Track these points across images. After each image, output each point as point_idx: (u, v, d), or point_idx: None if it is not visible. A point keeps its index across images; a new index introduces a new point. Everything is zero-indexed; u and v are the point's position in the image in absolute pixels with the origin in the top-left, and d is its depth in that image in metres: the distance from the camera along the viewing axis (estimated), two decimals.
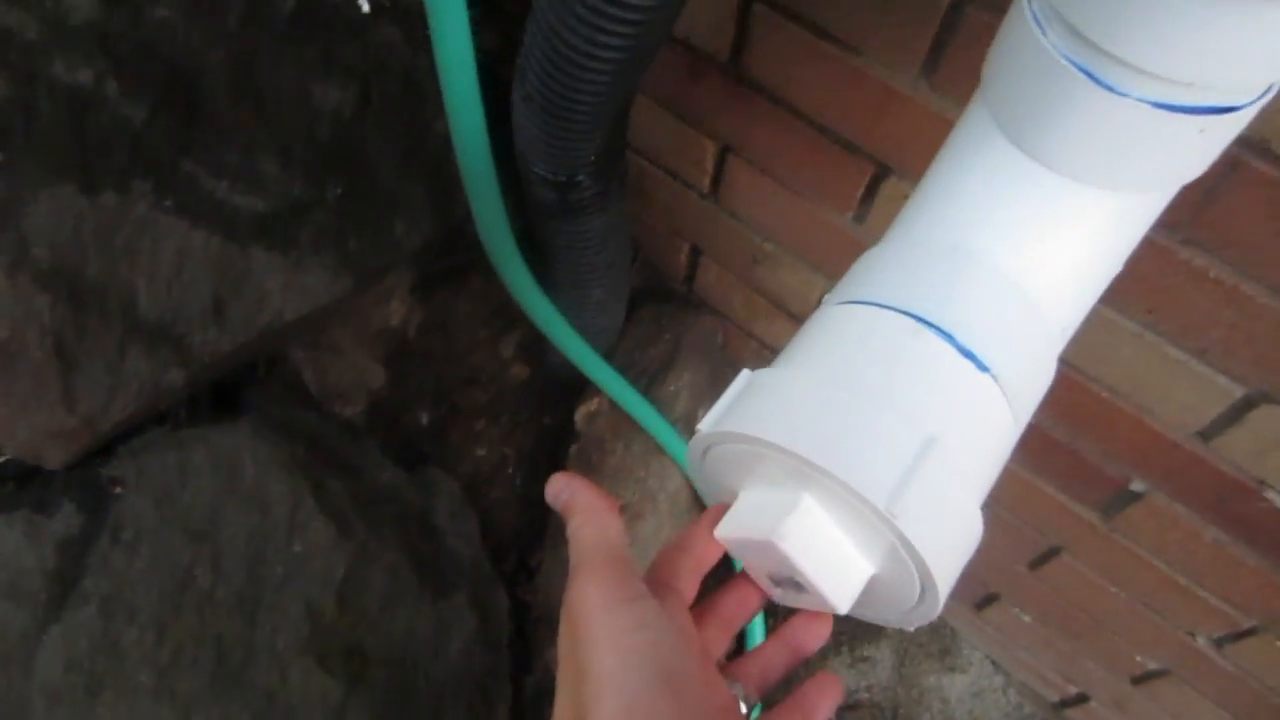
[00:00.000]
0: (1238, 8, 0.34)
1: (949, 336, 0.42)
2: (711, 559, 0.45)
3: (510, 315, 1.04)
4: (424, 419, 1.02)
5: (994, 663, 1.21)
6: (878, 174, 0.77)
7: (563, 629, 0.37)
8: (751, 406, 0.41)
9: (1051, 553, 0.97)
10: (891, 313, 0.43)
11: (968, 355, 0.42)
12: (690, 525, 0.45)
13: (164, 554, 0.71)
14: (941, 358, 0.42)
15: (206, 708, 0.72)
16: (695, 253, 1.04)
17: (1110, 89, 0.39)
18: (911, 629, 0.44)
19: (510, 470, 1.08)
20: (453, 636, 0.87)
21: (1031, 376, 0.45)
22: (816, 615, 0.45)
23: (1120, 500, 0.84)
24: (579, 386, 1.09)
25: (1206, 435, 0.73)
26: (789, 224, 0.89)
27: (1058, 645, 1.08)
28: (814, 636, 0.45)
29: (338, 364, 0.92)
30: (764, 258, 0.96)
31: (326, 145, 0.71)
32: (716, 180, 0.92)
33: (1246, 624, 0.84)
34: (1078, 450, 0.84)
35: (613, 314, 1.01)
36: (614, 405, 1.05)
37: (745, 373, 0.44)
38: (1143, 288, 0.68)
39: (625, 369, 1.04)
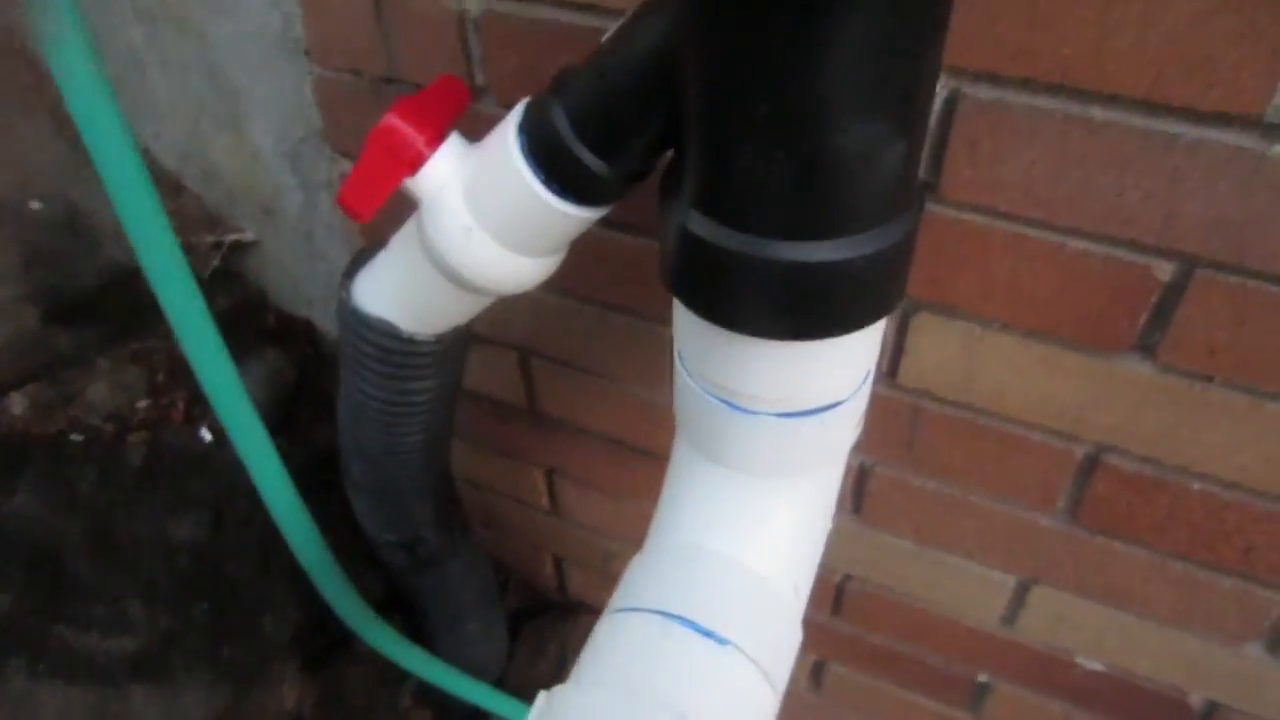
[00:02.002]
0: (796, 350, 0.49)
1: (690, 623, 0.52)
2: None
3: (400, 668, 1.09)
4: None
5: None
6: None
7: None
8: None
9: None
10: (644, 614, 0.53)
11: (709, 635, 0.52)
12: None
13: None
14: (687, 643, 0.52)
15: None
16: (558, 562, 1.14)
17: (745, 411, 0.52)
18: None
19: None
20: None
21: (773, 637, 0.55)
22: None
23: (978, 695, 0.92)
24: (485, 714, 1.13)
25: (1009, 620, 0.83)
26: (623, 523, 1.00)
27: None
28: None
29: None
30: (615, 553, 1.06)
31: (187, 573, 0.80)
32: (553, 499, 1.04)
33: None
34: (923, 659, 0.92)
35: (494, 642, 1.08)
36: None
37: (542, 695, 0.52)
38: (903, 515, 0.80)
39: (519, 688, 1.09)
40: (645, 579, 0.56)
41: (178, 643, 0.78)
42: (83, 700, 0.72)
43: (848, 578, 0.89)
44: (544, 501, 1.05)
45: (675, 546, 0.57)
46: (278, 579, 0.88)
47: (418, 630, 1.03)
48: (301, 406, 1.02)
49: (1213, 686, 0.78)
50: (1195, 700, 0.80)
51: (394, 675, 1.11)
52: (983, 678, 0.91)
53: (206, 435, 0.90)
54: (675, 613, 0.53)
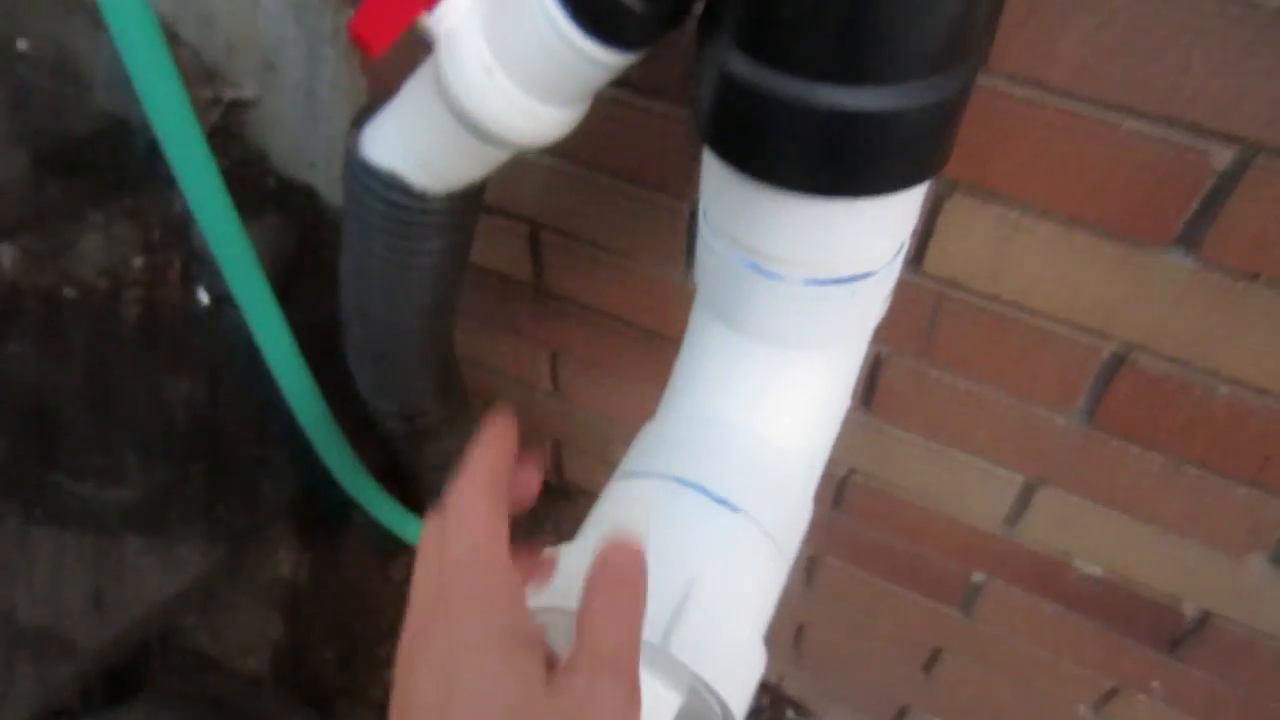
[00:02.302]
0: (832, 209, 0.46)
1: (702, 489, 0.51)
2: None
3: (395, 540, 1.09)
4: (329, 656, 1.05)
5: None
6: None
7: None
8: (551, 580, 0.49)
9: (936, 655, 1.04)
10: (655, 479, 0.52)
11: (721, 502, 0.51)
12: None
13: None
14: (699, 508, 0.50)
15: None
16: (557, 445, 1.13)
17: (771, 275, 0.50)
18: None
19: None
20: None
21: (786, 509, 0.54)
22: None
23: (970, 594, 0.93)
24: None
25: (1011, 521, 0.83)
26: (625, 406, 0.99)
27: None
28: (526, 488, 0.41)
29: (233, 622, 0.96)
30: (614, 437, 1.05)
31: (184, 430, 0.79)
32: (555, 380, 1.02)
33: (1107, 685, 0.91)
34: (920, 556, 0.92)
35: None
36: None
37: (546, 550, 0.51)
38: (915, 409, 0.79)
39: None
40: (656, 445, 0.55)
41: (174, 498, 0.77)
42: (77, 546, 0.71)
43: (852, 471, 0.89)
44: (546, 383, 1.03)
45: (688, 414, 0.56)
46: (275, 446, 0.87)
47: (414, 507, 1.03)
48: (301, 276, 0.99)
49: (1209, 597, 0.78)
50: (1189, 609, 0.80)
51: (388, 549, 1.12)
52: (977, 577, 0.91)
53: (204, 297, 0.88)
54: (686, 478, 0.51)
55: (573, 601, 0.35)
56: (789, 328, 0.52)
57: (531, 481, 0.41)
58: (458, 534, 0.35)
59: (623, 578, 0.35)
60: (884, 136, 0.42)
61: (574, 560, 0.49)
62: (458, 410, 0.90)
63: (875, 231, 0.48)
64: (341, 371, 0.84)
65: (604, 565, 0.35)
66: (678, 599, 0.46)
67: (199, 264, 0.89)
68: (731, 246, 0.50)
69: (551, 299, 0.91)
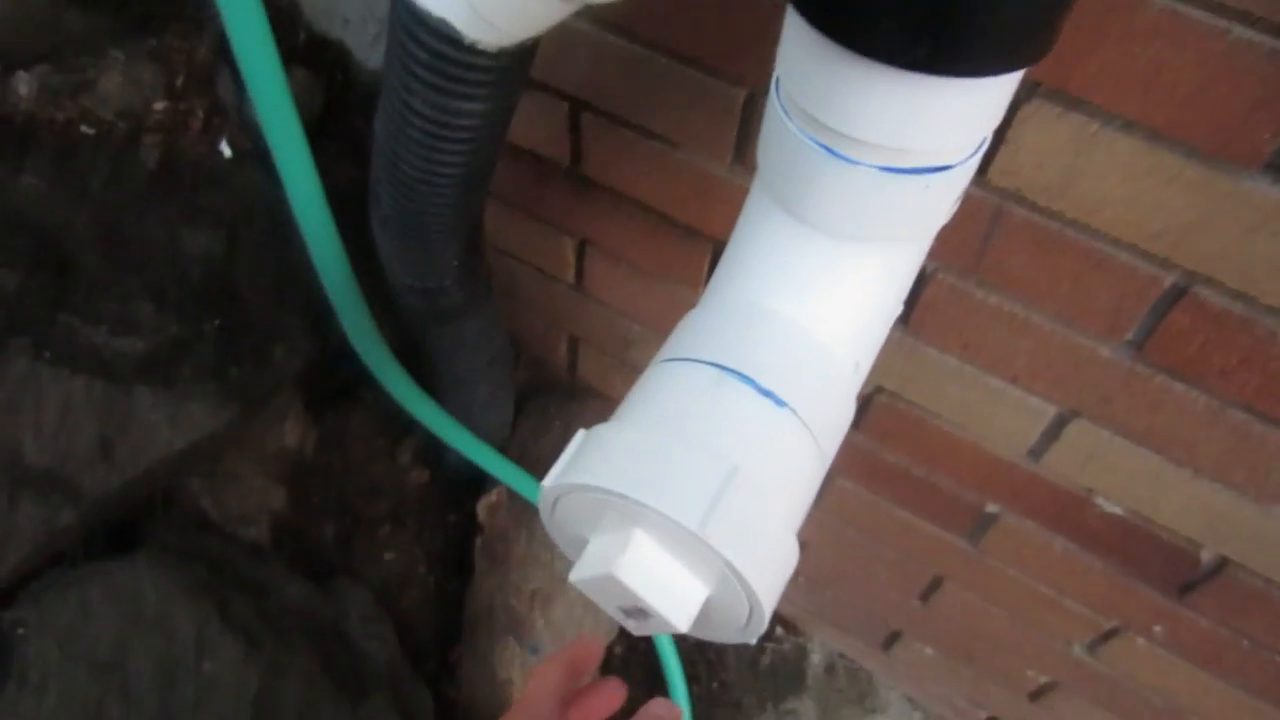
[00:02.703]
0: (926, 88, 0.43)
1: (749, 380, 0.49)
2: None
3: (404, 422, 1.08)
4: (329, 532, 1.05)
5: (910, 699, 1.26)
6: (716, 251, 0.85)
7: None
8: (584, 459, 0.47)
9: (936, 583, 1.03)
10: (700, 365, 0.50)
11: (767, 394, 0.49)
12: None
13: (73, 691, 0.72)
14: (744, 399, 0.48)
15: None
16: (573, 342, 1.11)
17: (844, 159, 0.47)
18: (752, 642, 0.49)
19: (422, 571, 1.11)
20: None
21: (830, 408, 0.52)
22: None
23: (981, 524, 0.92)
24: (478, 483, 1.13)
25: (1036, 453, 0.81)
26: (651, 306, 0.96)
27: (960, 672, 1.13)
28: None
29: (236, 489, 0.95)
30: (635, 339, 1.03)
31: (199, 285, 0.76)
32: (580, 273, 0.99)
33: (1108, 626, 0.91)
34: (935, 483, 0.91)
35: (501, 410, 1.06)
36: (513, 496, 1.09)
37: (581, 431, 0.49)
38: (955, 328, 0.77)
39: (521, 460, 1.08)
40: (703, 331, 0.52)
41: (186, 354, 0.75)
42: (86, 392, 0.69)
43: (879, 390, 0.87)
44: (570, 275, 1.00)
45: (737, 302, 0.53)
46: (291, 311, 0.84)
47: (426, 389, 1.01)
48: (326, 139, 0.95)
49: (1230, 544, 0.76)
50: (1206, 556, 0.79)
51: (396, 430, 1.10)
52: (992, 508, 0.90)
53: (226, 150, 0.84)
54: (733, 367, 0.49)
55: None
56: (855, 219, 0.49)
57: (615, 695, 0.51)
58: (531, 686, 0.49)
59: None
60: (993, 8, 0.39)
61: (616, 439, 0.47)
62: (479, 292, 0.88)
63: (963, 120, 0.45)
64: (361, 245, 0.82)
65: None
66: (717, 487, 0.44)
67: (222, 117, 0.86)
68: (806, 125, 0.47)
69: (585, 185, 0.88)
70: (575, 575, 0.48)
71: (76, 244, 0.70)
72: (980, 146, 0.49)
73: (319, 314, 0.85)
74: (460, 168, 0.66)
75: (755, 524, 0.44)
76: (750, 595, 0.45)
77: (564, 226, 0.95)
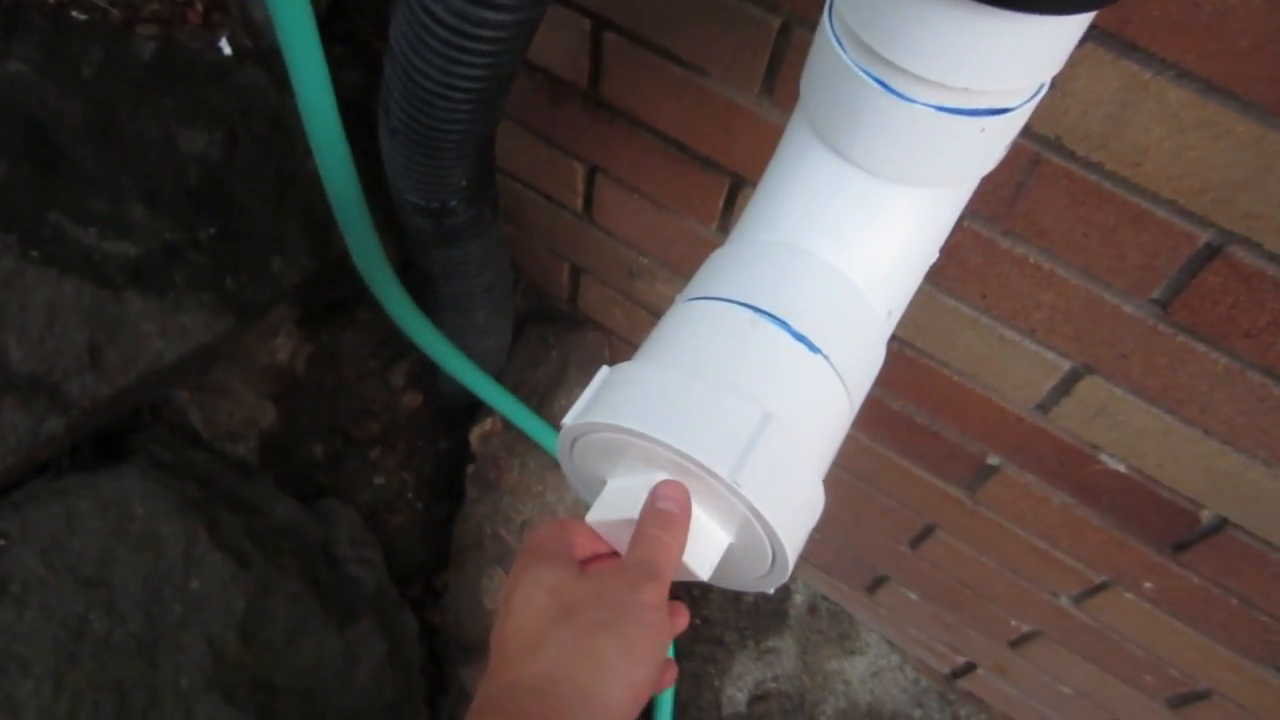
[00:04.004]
0: (999, 24, 0.40)
1: (783, 324, 0.47)
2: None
3: (398, 345, 1.06)
4: (319, 452, 1.03)
5: (889, 642, 1.28)
6: (734, 186, 0.82)
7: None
8: (608, 398, 0.45)
9: (928, 531, 1.03)
10: (733, 305, 0.48)
11: (801, 340, 0.47)
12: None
13: (55, 603, 0.71)
14: (778, 343, 0.46)
15: None
16: (576, 272, 1.08)
17: (900, 96, 0.44)
18: (770, 592, 0.48)
19: (410, 496, 1.10)
20: (361, 662, 0.88)
21: (862, 356, 0.50)
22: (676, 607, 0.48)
23: (981, 475, 0.91)
24: (471, 410, 1.11)
25: (1045, 407, 0.80)
26: (659, 238, 0.94)
27: (943, 619, 1.15)
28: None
29: (226, 404, 0.92)
30: (640, 271, 1.00)
31: (195, 189, 0.72)
32: (588, 200, 0.96)
33: (1098, 579, 0.91)
34: (938, 432, 0.90)
35: (499, 336, 1.04)
36: (507, 425, 1.08)
37: (604, 369, 0.47)
38: (975, 277, 0.75)
39: (516, 389, 1.07)
40: (735, 270, 0.50)
41: (181, 260, 0.72)
42: (75, 295, 0.66)
43: (891, 336, 0.85)
44: (577, 202, 0.97)
45: (772, 242, 0.51)
46: (291, 221, 0.81)
47: (423, 312, 0.98)
48: (331, 43, 0.91)
49: (1233, 504, 0.76)
50: (1207, 516, 0.79)
51: (390, 352, 1.08)
52: (993, 460, 0.89)
53: (226, 47, 0.80)
54: (767, 310, 0.47)
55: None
56: (903, 160, 0.47)
57: (680, 620, 0.49)
58: (551, 525, 0.49)
59: (671, 516, 0.44)
60: None
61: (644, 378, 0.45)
62: (486, 214, 0.85)
63: (1030, 61, 0.43)
64: (365, 159, 0.78)
65: (657, 499, 0.44)
66: (750, 434, 0.42)
67: (223, 12, 0.81)
68: (861, 58, 0.44)
69: (602, 109, 0.84)
70: (593, 516, 0.47)
71: (67, 137, 0.66)
72: (1040, 91, 0.47)
73: (318, 226, 0.81)
74: (479, 81, 0.63)
75: (786, 474, 0.43)
76: (776, 546, 0.44)
77: (575, 151, 0.91)
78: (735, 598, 1.27)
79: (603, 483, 0.49)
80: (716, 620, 1.26)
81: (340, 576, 0.91)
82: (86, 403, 0.68)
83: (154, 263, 0.70)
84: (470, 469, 1.08)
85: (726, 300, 0.48)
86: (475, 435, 1.08)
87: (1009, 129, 0.47)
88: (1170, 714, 1.00)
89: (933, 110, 0.44)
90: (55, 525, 0.71)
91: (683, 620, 0.49)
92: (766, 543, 0.44)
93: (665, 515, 0.43)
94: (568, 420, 0.46)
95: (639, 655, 0.41)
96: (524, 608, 0.43)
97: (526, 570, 0.45)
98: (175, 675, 0.74)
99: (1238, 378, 0.67)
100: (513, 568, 0.46)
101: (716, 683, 1.23)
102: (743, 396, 0.43)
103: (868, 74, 0.44)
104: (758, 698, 1.24)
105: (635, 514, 0.43)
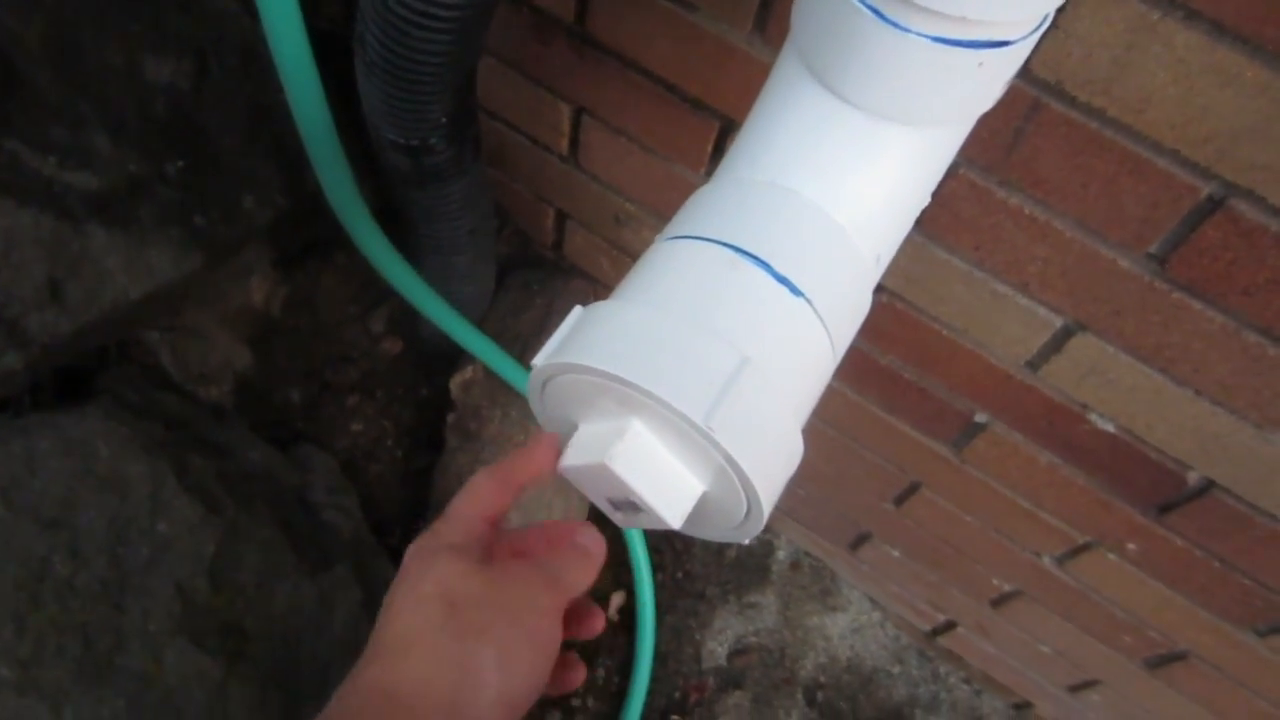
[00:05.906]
0: None
1: (765, 265, 0.45)
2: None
3: (379, 289, 1.03)
4: (295, 397, 1.01)
5: (871, 599, 1.27)
6: (724, 130, 0.80)
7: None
8: (580, 338, 0.43)
9: (912, 488, 1.02)
10: (713, 245, 0.46)
11: (783, 282, 0.45)
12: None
13: (16, 544, 0.69)
14: (758, 285, 0.44)
15: (78, 697, 0.70)
16: (561, 217, 1.06)
17: (895, 25, 0.42)
18: (746, 542, 0.47)
19: (390, 444, 1.08)
20: (336, 609, 0.87)
21: (847, 302, 0.48)
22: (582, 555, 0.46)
23: (967, 433, 0.90)
24: (453, 357, 1.09)
25: (1034, 365, 0.79)
26: (646, 183, 0.91)
27: (925, 577, 1.14)
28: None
29: (198, 345, 0.90)
30: (626, 218, 0.98)
31: (163, 120, 0.69)
32: (574, 143, 0.93)
33: (1081, 540, 0.91)
34: (926, 388, 0.89)
35: (481, 281, 1.02)
36: (489, 373, 1.06)
37: (578, 308, 0.45)
38: (969, 228, 0.73)
39: (498, 336, 1.05)
40: (717, 209, 0.48)
41: (147, 193, 0.69)
42: (34, 227, 0.64)
43: (878, 288, 0.83)
44: (563, 145, 0.94)
45: (756, 180, 0.49)
46: (263, 158, 0.78)
47: (405, 256, 0.96)
48: None
49: (1221, 467, 0.75)
50: (1194, 477, 0.78)
51: (369, 296, 1.06)
52: (980, 418, 0.88)
53: None
54: (749, 250, 0.45)
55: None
56: (897, 95, 0.45)
57: (595, 623, 0.49)
58: (457, 500, 0.47)
59: (589, 552, 0.45)
60: None
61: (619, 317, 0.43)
62: (467, 154, 0.82)
63: None
64: (341, 96, 0.75)
65: (577, 532, 0.46)
66: (726, 378, 0.40)
67: None
68: None
69: (589, 47, 0.81)
70: (564, 462, 0.45)
71: (24, 59, 0.62)
72: (1042, 24, 0.44)
73: (293, 163, 0.79)
74: (459, 9, 0.60)
75: (763, 421, 0.41)
76: (751, 495, 0.42)
77: (561, 91, 0.88)
78: (718, 552, 1.27)
79: (575, 427, 0.47)
80: (699, 575, 1.25)
81: (315, 523, 0.90)
82: (46, 338, 0.66)
83: (118, 196, 0.67)
84: (451, 417, 1.06)
85: (707, 239, 0.46)
86: (456, 383, 1.06)
87: (1008, 65, 0.45)
88: (1147, 674, 1.00)
89: (928, 41, 0.42)
90: (15, 465, 0.69)
91: (578, 678, 0.47)
92: (741, 492, 0.42)
93: (583, 548, 0.45)
94: (538, 361, 0.44)
95: (516, 668, 0.40)
96: (404, 598, 0.41)
97: (419, 554, 0.43)
98: (142, 619, 0.72)
99: (1233, 337, 0.66)
100: (409, 547, 0.44)
101: (698, 636, 1.23)
102: (720, 339, 0.41)
103: (863, 3, 0.42)
104: (738, 651, 1.23)
105: (601, 459, 0.41)
